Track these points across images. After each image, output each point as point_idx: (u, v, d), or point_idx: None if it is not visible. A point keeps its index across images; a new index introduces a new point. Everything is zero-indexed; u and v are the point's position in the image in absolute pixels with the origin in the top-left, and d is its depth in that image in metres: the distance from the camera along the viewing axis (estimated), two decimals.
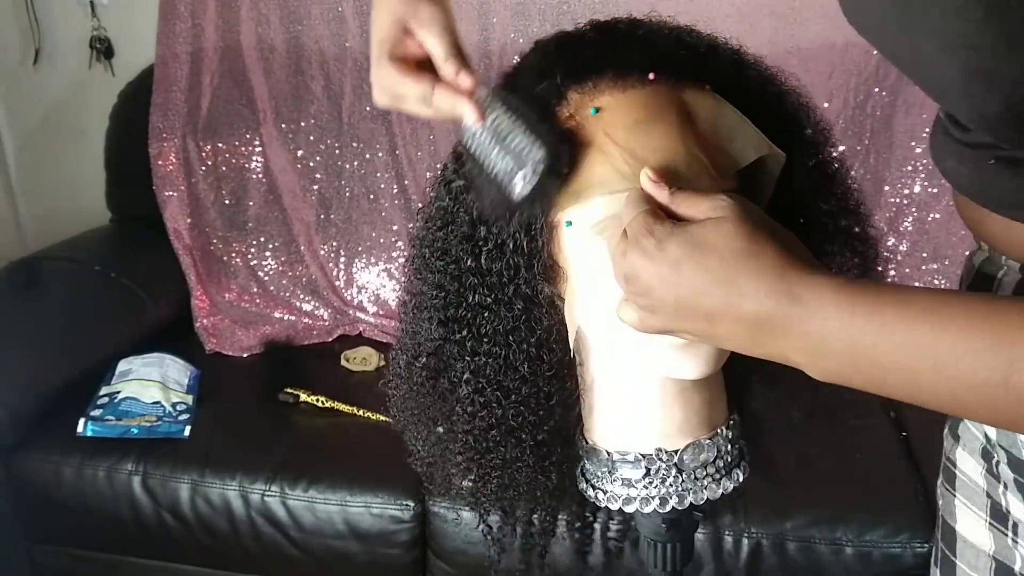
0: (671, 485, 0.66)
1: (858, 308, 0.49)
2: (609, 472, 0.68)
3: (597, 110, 0.59)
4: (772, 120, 0.64)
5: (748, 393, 0.77)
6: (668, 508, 0.66)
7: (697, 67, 0.63)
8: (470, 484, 0.74)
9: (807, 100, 0.69)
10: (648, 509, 0.66)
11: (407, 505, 1.53)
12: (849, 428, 1.64)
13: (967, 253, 0.72)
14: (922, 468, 1.55)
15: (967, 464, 0.70)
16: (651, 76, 0.60)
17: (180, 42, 2.06)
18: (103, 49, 2.28)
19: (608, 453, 0.67)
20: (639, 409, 0.66)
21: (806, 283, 0.51)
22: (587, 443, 0.70)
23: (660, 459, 0.66)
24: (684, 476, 0.66)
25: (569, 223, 0.61)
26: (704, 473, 0.66)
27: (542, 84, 0.62)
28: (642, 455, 0.66)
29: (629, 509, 0.67)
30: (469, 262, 0.64)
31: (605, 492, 0.68)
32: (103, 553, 1.68)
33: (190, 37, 2.06)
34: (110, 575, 1.70)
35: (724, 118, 0.61)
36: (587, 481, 0.70)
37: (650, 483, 0.66)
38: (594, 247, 0.60)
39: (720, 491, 0.66)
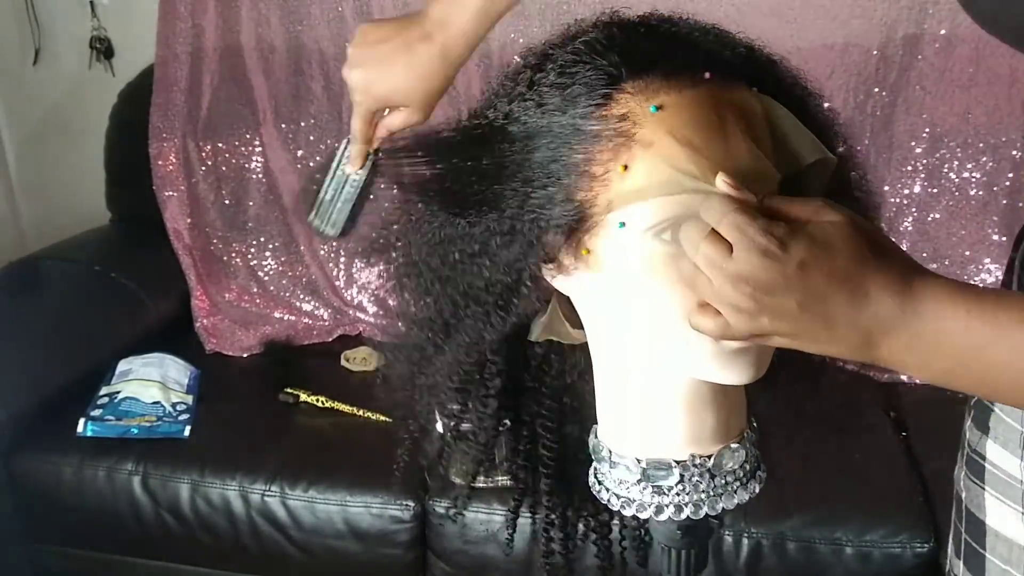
0: (703, 491, 0.65)
1: (975, 310, 0.50)
2: (639, 480, 0.66)
3: (658, 108, 0.56)
4: (808, 123, 0.63)
5: (750, 395, 0.76)
6: (701, 514, 0.65)
7: (744, 68, 0.62)
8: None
9: (826, 102, 0.69)
10: (682, 516, 0.65)
11: (407, 505, 1.53)
12: (849, 428, 1.64)
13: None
14: (922, 468, 1.55)
15: (1001, 456, 0.70)
16: (707, 75, 0.58)
17: (180, 42, 2.06)
18: (103, 49, 2.28)
19: (638, 460, 0.66)
20: (673, 415, 0.65)
21: (926, 285, 0.51)
22: (610, 450, 0.68)
23: (695, 465, 0.65)
24: (715, 482, 0.65)
25: (623, 224, 0.57)
26: (733, 478, 0.66)
27: (593, 73, 0.58)
28: (676, 461, 0.65)
29: (661, 517, 0.65)
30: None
31: (632, 500, 0.66)
32: (103, 553, 1.68)
33: (190, 37, 2.06)
34: (110, 575, 1.70)
35: (778, 120, 0.60)
36: (608, 489, 0.68)
37: (683, 490, 0.65)
38: (647, 250, 0.57)
39: (747, 495, 0.66)
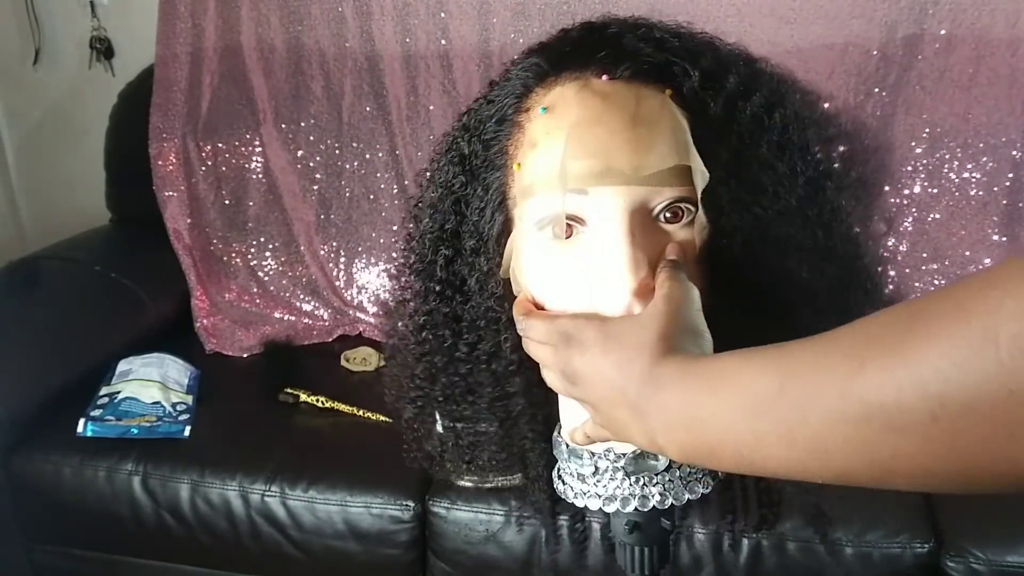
0: (618, 488, 0.64)
1: (693, 374, 0.50)
2: (565, 463, 0.67)
3: (546, 109, 0.60)
4: (754, 129, 0.63)
5: None
6: (630, 508, 0.64)
7: (661, 70, 0.61)
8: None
9: (826, 102, 0.69)
10: (611, 508, 0.64)
11: (407, 505, 1.54)
12: None
13: None
14: None
15: None
16: (604, 77, 0.60)
17: (180, 42, 2.06)
18: (103, 49, 2.28)
19: (567, 445, 0.67)
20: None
21: (666, 362, 0.52)
22: (565, 444, 0.68)
23: (608, 459, 0.64)
24: (631, 481, 0.64)
25: (520, 218, 0.63)
26: (656, 480, 0.64)
27: (521, 70, 0.64)
28: (592, 453, 0.65)
29: (593, 507, 0.65)
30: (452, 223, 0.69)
31: (565, 485, 0.67)
32: (103, 553, 1.68)
33: (190, 37, 2.06)
34: (110, 575, 1.70)
35: (673, 123, 0.60)
36: (564, 482, 0.69)
37: (598, 482, 0.65)
38: (534, 239, 0.62)
39: (686, 496, 0.64)
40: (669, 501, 0.63)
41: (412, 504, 1.54)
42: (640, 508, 0.63)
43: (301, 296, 2.15)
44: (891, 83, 1.87)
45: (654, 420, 0.51)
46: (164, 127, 2.08)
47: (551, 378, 0.61)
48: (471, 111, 0.68)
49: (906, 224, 1.92)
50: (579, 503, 0.66)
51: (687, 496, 0.64)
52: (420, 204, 0.72)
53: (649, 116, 0.59)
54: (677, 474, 0.64)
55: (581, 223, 0.60)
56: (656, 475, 0.64)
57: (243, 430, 1.71)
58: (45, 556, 1.70)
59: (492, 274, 0.67)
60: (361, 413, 1.74)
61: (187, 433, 1.66)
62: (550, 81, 0.62)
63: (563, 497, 0.68)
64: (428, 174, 0.71)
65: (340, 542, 1.56)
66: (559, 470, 0.70)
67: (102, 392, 1.71)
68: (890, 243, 1.94)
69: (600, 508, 0.65)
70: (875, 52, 1.85)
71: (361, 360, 1.94)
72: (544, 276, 0.62)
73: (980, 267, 1.90)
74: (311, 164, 2.12)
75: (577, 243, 0.60)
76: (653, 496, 0.63)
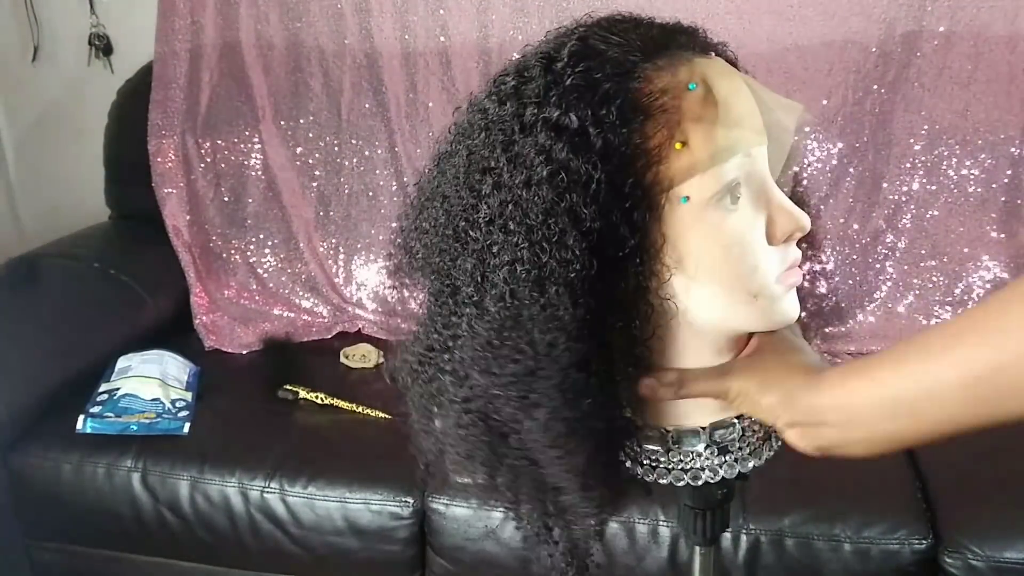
0: (733, 453, 0.70)
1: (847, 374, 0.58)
2: (671, 449, 0.71)
3: (695, 85, 0.60)
4: None
5: None
6: (734, 474, 0.71)
7: (719, 52, 0.66)
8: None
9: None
10: (716, 479, 0.70)
11: (406, 502, 1.54)
12: None
13: None
14: (921, 465, 1.55)
15: None
16: (712, 55, 0.64)
17: (179, 39, 2.06)
18: (102, 46, 2.28)
19: (667, 431, 0.70)
20: None
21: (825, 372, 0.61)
22: (647, 423, 0.71)
23: (724, 427, 0.70)
24: (741, 444, 0.70)
25: (686, 199, 0.60)
26: (756, 438, 0.71)
27: (616, 57, 0.60)
28: (702, 428, 0.70)
29: (698, 482, 0.70)
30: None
31: (670, 470, 0.71)
32: (102, 550, 1.68)
33: (189, 34, 2.06)
34: (109, 572, 1.70)
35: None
36: (641, 464, 0.72)
37: (712, 453, 0.70)
38: (708, 219, 0.61)
39: (771, 453, 0.72)
40: (751, 463, 0.71)
41: (411, 500, 1.54)
42: (727, 476, 0.70)
43: (300, 293, 2.15)
44: (890, 80, 1.87)
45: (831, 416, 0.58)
46: (163, 124, 2.08)
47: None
48: (568, 142, 0.59)
49: (905, 221, 1.92)
50: (663, 480, 0.71)
51: (754, 463, 0.71)
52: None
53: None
54: (748, 443, 0.71)
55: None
56: (734, 445, 0.71)
57: (242, 427, 1.71)
58: (44, 553, 1.70)
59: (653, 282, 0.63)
60: (360, 410, 1.74)
61: (186, 430, 1.66)
62: (653, 66, 0.61)
63: (643, 478, 0.72)
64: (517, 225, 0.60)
65: (339, 538, 1.56)
66: (637, 455, 0.73)
67: (101, 389, 1.72)
68: (889, 240, 1.94)
69: (702, 480, 0.71)
70: (874, 49, 1.85)
71: (360, 357, 1.95)
72: (719, 249, 0.61)
73: (978, 264, 1.90)
74: (310, 161, 2.12)
75: (743, 206, 0.62)
76: (740, 463, 0.71)
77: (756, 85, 0.63)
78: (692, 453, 0.70)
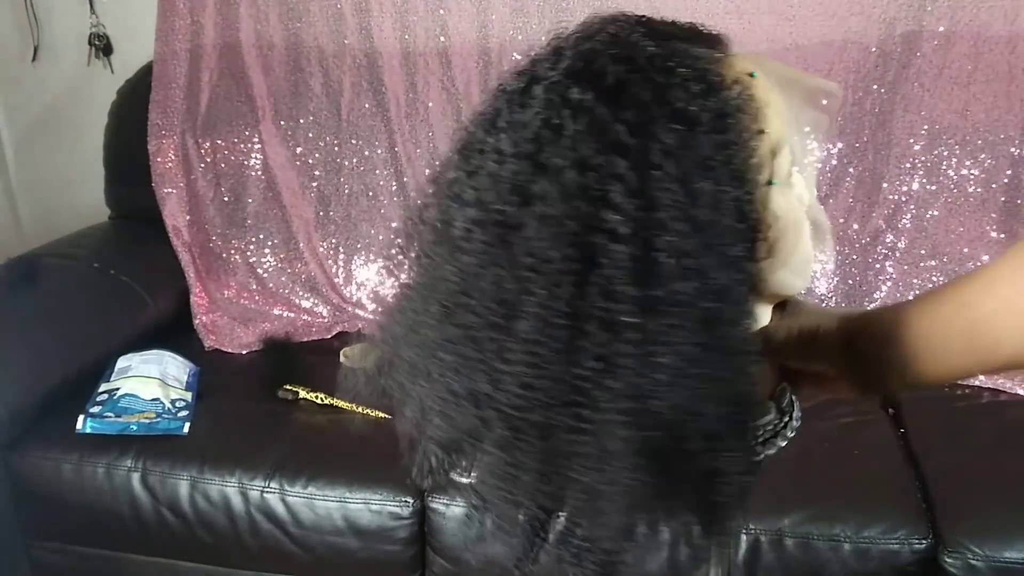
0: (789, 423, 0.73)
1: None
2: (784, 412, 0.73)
3: (756, 74, 0.64)
4: None
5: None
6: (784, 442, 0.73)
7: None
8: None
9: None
10: (785, 443, 0.73)
11: (406, 502, 1.54)
12: (847, 425, 1.64)
13: None
14: (921, 465, 1.55)
15: None
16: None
17: (179, 39, 2.06)
18: (102, 46, 2.28)
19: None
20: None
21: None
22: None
23: (786, 395, 0.73)
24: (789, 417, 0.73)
25: (772, 182, 0.63)
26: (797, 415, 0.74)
27: (696, 57, 0.59)
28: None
29: (772, 452, 0.72)
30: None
31: (776, 434, 0.73)
32: (102, 550, 1.68)
33: (189, 34, 2.06)
34: (109, 572, 1.70)
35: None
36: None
37: (777, 422, 0.72)
38: (785, 195, 0.65)
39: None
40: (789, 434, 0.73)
41: (411, 500, 1.54)
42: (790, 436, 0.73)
43: (300, 293, 2.15)
44: (890, 80, 1.87)
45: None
46: (163, 124, 2.08)
47: None
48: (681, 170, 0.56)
49: (904, 221, 1.92)
50: (771, 451, 0.73)
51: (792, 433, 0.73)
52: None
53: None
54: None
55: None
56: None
57: (242, 427, 1.71)
58: (44, 553, 1.70)
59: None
60: (360, 410, 1.74)
61: (186, 430, 1.66)
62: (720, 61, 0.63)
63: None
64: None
65: (339, 538, 1.56)
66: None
67: (101, 389, 1.72)
68: (888, 240, 1.94)
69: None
70: (874, 49, 1.85)
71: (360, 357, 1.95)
72: (792, 224, 0.65)
73: (978, 264, 1.90)
74: (310, 161, 2.12)
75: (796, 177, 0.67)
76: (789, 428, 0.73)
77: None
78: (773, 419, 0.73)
